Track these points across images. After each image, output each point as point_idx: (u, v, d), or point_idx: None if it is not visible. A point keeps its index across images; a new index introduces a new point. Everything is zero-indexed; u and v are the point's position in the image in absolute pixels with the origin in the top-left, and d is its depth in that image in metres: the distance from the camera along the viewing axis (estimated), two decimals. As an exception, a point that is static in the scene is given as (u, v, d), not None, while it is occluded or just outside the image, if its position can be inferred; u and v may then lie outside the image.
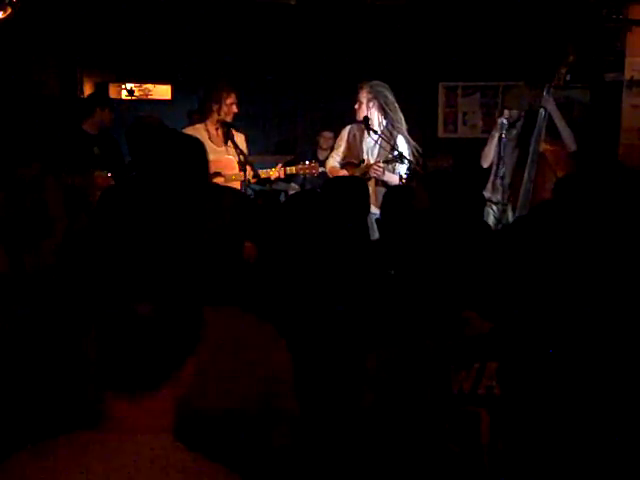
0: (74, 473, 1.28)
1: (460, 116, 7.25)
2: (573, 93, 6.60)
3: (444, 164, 6.65)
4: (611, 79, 6.21)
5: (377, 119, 4.88)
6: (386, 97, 4.88)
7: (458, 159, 6.71)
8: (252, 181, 4.71)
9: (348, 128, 5.09)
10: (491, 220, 5.10)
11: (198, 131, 4.67)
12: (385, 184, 4.77)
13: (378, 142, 4.93)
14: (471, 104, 7.22)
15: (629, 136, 5.94)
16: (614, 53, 6.13)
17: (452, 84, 7.18)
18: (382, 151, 4.91)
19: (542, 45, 5.67)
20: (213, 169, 4.50)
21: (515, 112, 4.92)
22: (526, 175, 4.84)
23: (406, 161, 4.69)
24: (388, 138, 4.87)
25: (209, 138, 4.72)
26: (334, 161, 5.07)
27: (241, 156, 4.62)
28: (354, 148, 5.00)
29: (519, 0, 6.50)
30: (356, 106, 4.88)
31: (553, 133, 4.91)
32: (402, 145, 4.89)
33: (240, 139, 4.80)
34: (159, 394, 1.36)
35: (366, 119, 4.88)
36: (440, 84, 7.19)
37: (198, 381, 1.42)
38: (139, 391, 1.35)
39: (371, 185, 4.64)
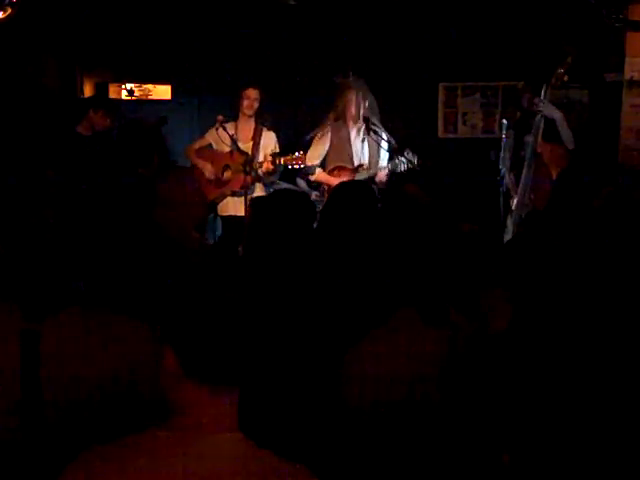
0: (154, 476, 1.23)
1: (460, 116, 7.24)
2: (573, 93, 6.60)
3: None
4: (611, 79, 6.20)
5: (361, 119, 4.63)
6: (370, 95, 4.70)
7: (457, 159, 6.72)
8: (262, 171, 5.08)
9: (329, 128, 4.78)
10: None
11: (229, 127, 5.14)
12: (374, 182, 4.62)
13: (364, 142, 4.68)
14: (471, 104, 7.20)
15: (629, 136, 5.93)
16: (614, 53, 6.12)
17: (452, 84, 7.17)
18: (371, 152, 4.70)
19: (541, 45, 5.67)
20: (224, 162, 5.17)
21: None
22: (523, 175, 4.86)
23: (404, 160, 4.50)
24: (376, 138, 4.61)
25: (236, 134, 5.19)
26: (319, 167, 4.85)
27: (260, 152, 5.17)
28: (341, 150, 4.73)
29: (519, 0, 6.50)
30: (344, 104, 4.60)
31: (548, 134, 4.92)
32: (384, 146, 4.71)
33: (268, 137, 5.32)
34: (234, 388, 1.33)
35: (367, 119, 4.66)
36: (440, 84, 7.17)
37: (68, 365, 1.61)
38: (222, 384, 1.30)
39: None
